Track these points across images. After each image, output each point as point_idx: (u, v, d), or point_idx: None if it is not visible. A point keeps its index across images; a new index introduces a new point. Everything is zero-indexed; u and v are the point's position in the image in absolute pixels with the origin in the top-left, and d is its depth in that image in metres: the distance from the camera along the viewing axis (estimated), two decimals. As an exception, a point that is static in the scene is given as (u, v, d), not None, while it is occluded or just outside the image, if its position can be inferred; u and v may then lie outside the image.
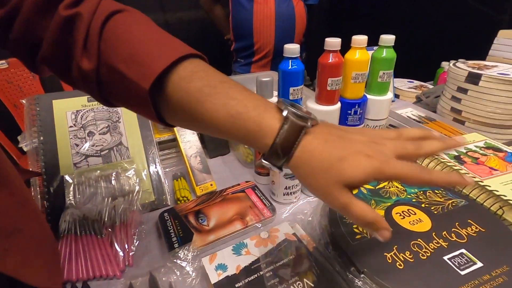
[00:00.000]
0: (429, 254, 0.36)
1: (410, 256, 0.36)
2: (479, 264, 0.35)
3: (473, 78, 0.68)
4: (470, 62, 0.77)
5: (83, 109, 0.58)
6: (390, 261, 0.35)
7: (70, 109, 0.57)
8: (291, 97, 0.46)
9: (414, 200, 0.45)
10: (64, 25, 0.29)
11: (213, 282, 0.37)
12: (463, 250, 0.36)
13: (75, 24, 0.29)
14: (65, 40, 0.29)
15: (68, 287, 0.39)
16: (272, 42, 1.29)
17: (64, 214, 0.46)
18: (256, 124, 0.26)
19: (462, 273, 0.34)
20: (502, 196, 0.43)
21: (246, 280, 0.37)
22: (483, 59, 0.83)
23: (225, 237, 0.45)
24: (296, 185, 0.53)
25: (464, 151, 0.54)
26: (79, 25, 0.29)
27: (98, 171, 0.52)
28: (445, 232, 0.39)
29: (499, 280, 0.33)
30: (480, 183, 0.46)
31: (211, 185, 0.57)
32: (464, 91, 0.71)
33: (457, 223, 0.41)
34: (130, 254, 0.43)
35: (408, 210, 0.44)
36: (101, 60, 0.29)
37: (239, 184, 0.57)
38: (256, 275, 0.37)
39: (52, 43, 0.30)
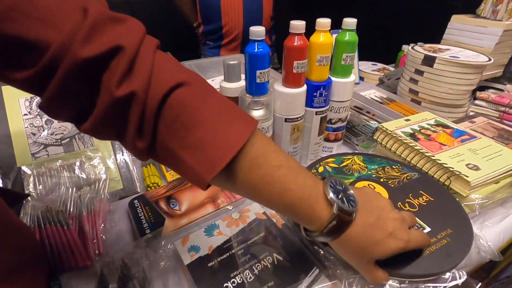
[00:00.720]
0: None
1: None
2: (428, 229, 0.39)
3: (428, 61, 0.73)
4: (426, 45, 0.82)
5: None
6: None
7: (22, 95, 0.53)
8: (258, 80, 0.46)
9: (374, 175, 0.49)
10: (117, 107, 0.25)
11: (186, 263, 0.38)
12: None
13: (130, 105, 0.25)
14: (117, 121, 0.26)
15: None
16: (241, 25, 1.26)
17: (25, 207, 0.44)
18: (307, 215, 0.30)
19: None
20: (450, 168, 0.48)
21: (219, 259, 0.38)
22: (440, 42, 0.89)
23: (197, 220, 0.46)
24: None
25: (418, 128, 0.58)
26: (133, 106, 0.25)
27: (60, 161, 0.50)
28: (400, 202, 0.43)
29: (443, 241, 0.37)
30: (432, 157, 0.50)
31: (182, 170, 0.57)
32: (420, 73, 0.76)
33: (410, 194, 0.45)
34: (100, 242, 0.43)
35: (368, 185, 0.47)
36: (158, 139, 0.27)
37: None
38: (228, 254, 0.39)
39: (101, 123, 0.26)
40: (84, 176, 0.49)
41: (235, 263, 0.37)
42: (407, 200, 0.44)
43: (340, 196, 0.30)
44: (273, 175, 0.28)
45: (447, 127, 0.59)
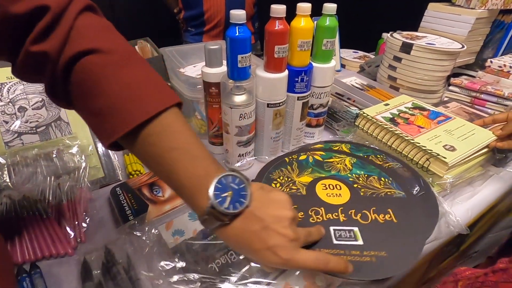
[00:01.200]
0: (319, 220, 0.39)
1: (301, 216, 0.39)
2: (359, 242, 0.36)
3: (406, 48, 0.75)
4: (404, 33, 0.84)
5: (9, 82, 0.52)
6: None
7: (-8, 82, 0.51)
8: (239, 65, 0.46)
9: (350, 179, 0.47)
10: (30, 62, 0.28)
11: (170, 247, 0.38)
12: (355, 229, 0.38)
13: (43, 63, 0.27)
14: (34, 73, 0.29)
15: (14, 270, 0.37)
16: (223, 11, 1.24)
17: (0, 197, 0.42)
18: (189, 202, 0.30)
19: (335, 241, 0.36)
20: (428, 150, 0.50)
21: (203, 241, 0.39)
22: (418, 30, 0.91)
23: (180, 206, 0.46)
24: (249, 152, 0.56)
25: (397, 112, 0.60)
26: (47, 65, 0.27)
27: (36, 149, 0.48)
28: (353, 210, 0.40)
29: (366, 258, 0.34)
30: (411, 140, 0.52)
31: (165, 157, 0.57)
32: (398, 60, 0.78)
33: (373, 208, 0.41)
34: (82, 230, 0.42)
35: (335, 184, 0.45)
36: (69, 98, 0.29)
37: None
38: (212, 236, 0.39)
39: (22, 71, 0.29)
40: (62, 164, 0.48)
41: (219, 244, 0.38)
42: (364, 211, 0.41)
43: (224, 195, 0.28)
44: (164, 156, 0.28)
45: (423, 109, 0.62)
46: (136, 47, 0.68)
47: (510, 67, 0.77)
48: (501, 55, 0.89)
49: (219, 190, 0.28)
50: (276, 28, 0.46)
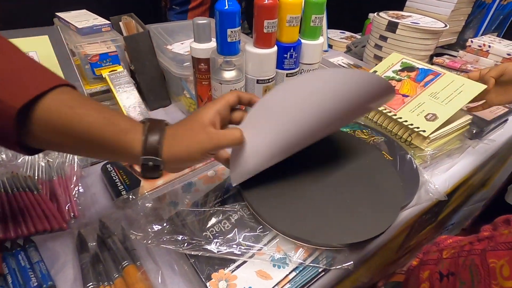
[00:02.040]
0: None
1: None
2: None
3: (392, 26, 0.76)
4: (390, 12, 0.85)
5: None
6: None
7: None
8: (229, 39, 0.46)
9: None
10: None
11: (165, 217, 0.39)
12: None
13: None
14: None
15: (8, 245, 0.38)
16: None
17: (-13, 174, 0.42)
18: (128, 125, 0.30)
19: None
20: (409, 126, 0.52)
21: (197, 212, 0.40)
22: (403, 9, 0.92)
23: (173, 181, 0.47)
24: (239, 129, 0.56)
25: None
26: None
27: (21, 127, 0.47)
28: None
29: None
30: (394, 116, 0.54)
31: (155, 135, 0.57)
32: (384, 39, 0.79)
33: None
34: (74, 206, 0.43)
35: None
36: None
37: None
38: (206, 207, 0.41)
39: None
40: (50, 141, 0.47)
41: (213, 214, 0.40)
42: None
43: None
44: (80, 123, 0.28)
45: (412, 69, 0.61)
46: (121, 23, 0.66)
47: (489, 46, 0.80)
48: (481, 35, 0.92)
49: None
50: (266, 1, 0.46)
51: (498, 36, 0.98)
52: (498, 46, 0.79)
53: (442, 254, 0.32)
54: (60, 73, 0.54)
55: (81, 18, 0.62)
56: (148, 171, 0.31)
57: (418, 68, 0.60)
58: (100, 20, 0.61)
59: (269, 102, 0.34)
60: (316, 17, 0.54)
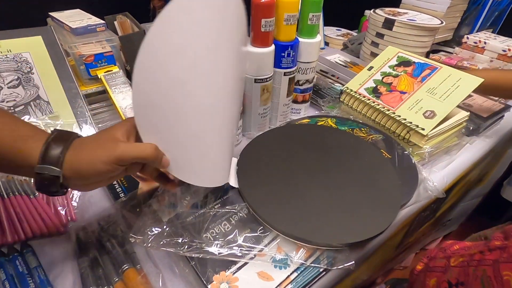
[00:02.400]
0: None
1: None
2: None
3: (388, 24, 0.76)
4: (386, 9, 0.85)
5: (-20, 59, 0.48)
6: None
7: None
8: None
9: None
10: None
11: (164, 220, 0.39)
12: None
13: None
14: None
15: (5, 250, 0.37)
16: None
17: (-18, 178, 0.41)
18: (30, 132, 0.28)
19: None
20: (407, 124, 0.52)
21: (197, 213, 0.39)
22: (399, 6, 0.92)
23: (172, 182, 0.46)
24: (238, 128, 0.56)
25: (380, 78, 0.60)
26: None
27: (16, 130, 0.46)
28: None
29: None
30: (392, 114, 0.54)
31: (152, 136, 0.56)
32: (381, 36, 0.79)
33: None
34: (72, 209, 0.42)
35: None
36: None
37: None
38: (206, 208, 0.40)
39: None
40: (45, 144, 0.47)
41: (213, 215, 0.39)
42: None
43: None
44: None
45: (408, 64, 0.60)
46: (115, 22, 0.65)
47: (485, 43, 0.80)
48: (477, 31, 0.93)
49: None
50: (263, 0, 0.46)
51: (493, 32, 0.98)
52: (494, 42, 0.79)
53: (450, 261, 0.31)
54: (54, 73, 0.53)
55: (75, 17, 0.61)
56: (43, 184, 0.27)
57: (414, 62, 0.60)
58: (94, 20, 0.60)
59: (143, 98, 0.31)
60: (313, 15, 0.54)
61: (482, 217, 1.14)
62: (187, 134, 0.33)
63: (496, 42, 0.79)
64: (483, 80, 0.52)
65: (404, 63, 0.61)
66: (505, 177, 0.96)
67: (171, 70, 0.30)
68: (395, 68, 0.61)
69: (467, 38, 0.83)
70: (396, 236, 0.56)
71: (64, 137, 0.28)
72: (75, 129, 0.51)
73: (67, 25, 0.58)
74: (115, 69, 0.58)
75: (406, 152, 0.51)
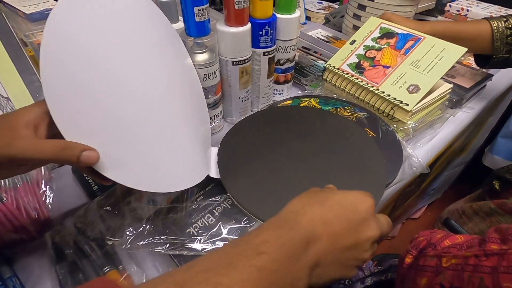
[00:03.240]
0: None
1: None
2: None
3: (370, -6, 0.73)
4: (368, -22, 0.81)
5: None
6: None
7: None
8: (197, 19, 0.42)
9: None
10: None
11: (144, 217, 0.37)
12: None
13: None
14: None
15: (-25, 262, 0.35)
16: None
17: None
18: None
19: None
20: (391, 100, 0.51)
21: (178, 208, 0.38)
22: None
23: (151, 176, 0.44)
24: (218, 115, 0.54)
25: (363, 52, 0.58)
26: None
27: (-26, 131, 0.43)
28: None
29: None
30: (376, 91, 0.53)
31: (128, 128, 0.53)
32: (363, 8, 0.76)
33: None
34: (45, 212, 0.40)
35: None
36: None
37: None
38: (187, 202, 0.39)
39: None
40: (9, 145, 0.43)
41: (195, 209, 0.38)
42: None
43: None
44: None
45: (391, 35, 0.58)
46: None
47: (467, 10, 0.78)
48: (459, -1, 0.90)
49: None
50: (234, -27, 0.42)
51: (475, -1, 0.96)
52: (476, 9, 0.78)
53: (442, 261, 0.29)
54: (11, 66, 0.48)
55: (29, 1, 0.55)
56: None
57: (397, 33, 0.58)
58: (51, 3, 0.55)
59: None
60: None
61: (464, 184, 1.18)
62: (119, 125, 0.29)
63: (478, 9, 0.78)
64: (466, 49, 0.51)
65: (387, 34, 0.58)
66: (486, 145, 0.99)
67: (85, 46, 0.27)
68: (378, 40, 0.58)
69: (450, 6, 0.81)
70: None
71: None
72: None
73: (21, 11, 0.52)
74: (81, 57, 0.54)
75: (391, 129, 0.50)
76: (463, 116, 0.62)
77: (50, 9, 0.53)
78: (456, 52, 0.51)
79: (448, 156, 0.76)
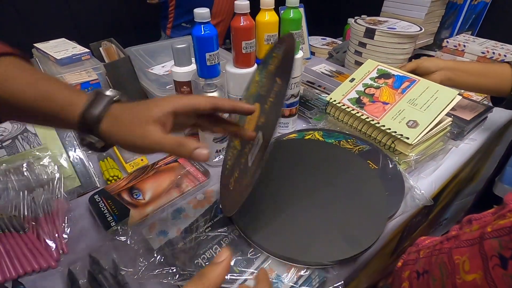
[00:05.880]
0: None
1: None
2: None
3: (369, 33, 0.78)
4: (367, 18, 0.87)
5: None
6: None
7: None
8: (208, 63, 0.46)
9: None
10: None
11: (155, 248, 0.39)
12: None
13: None
14: None
15: (-4, 289, 0.37)
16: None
17: (-29, 217, 0.41)
18: (66, 100, 0.29)
19: None
20: (392, 133, 0.53)
21: (187, 239, 0.40)
22: (380, 14, 0.94)
23: (162, 207, 0.47)
24: (226, 147, 0.57)
25: (362, 89, 0.61)
26: None
27: (4, 165, 0.47)
28: None
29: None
30: (377, 124, 0.55)
31: (142, 160, 0.56)
32: (363, 45, 0.81)
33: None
34: (63, 242, 0.42)
35: None
36: None
37: (171, 155, 0.57)
38: (196, 233, 0.41)
39: None
40: (34, 177, 0.47)
41: (204, 240, 0.39)
42: None
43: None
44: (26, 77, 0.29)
45: (388, 76, 0.61)
46: (101, 49, 0.66)
47: (464, 46, 0.82)
48: (456, 34, 0.95)
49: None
50: (242, 24, 0.47)
51: (472, 34, 1.01)
52: (472, 45, 0.81)
53: (420, 254, 0.33)
54: (41, 105, 0.53)
55: (60, 47, 0.62)
56: (85, 145, 0.30)
57: (394, 75, 0.61)
58: (79, 49, 0.61)
59: None
60: (294, 33, 0.55)
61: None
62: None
63: (475, 45, 0.82)
64: (457, 92, 0.54)
65: (384, 75, 0.62)
66: (497, 174, 0.98)
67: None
68: (376, 80, 0.62)
69: (447, 42, 0.85)
70: (389, 244, 0.56)
71: (100, 102, 0.30)
72: (63, 160, 0.51)
73: (52, 56, 0.59)
74: (102, 96, 0.59)
75: (393, 162, 0.52)
76: (466, 147, 0.63)
77: (78, 54, 0.59)
78: (449, 94, 0.54)
79: (455, 186, 0.76)
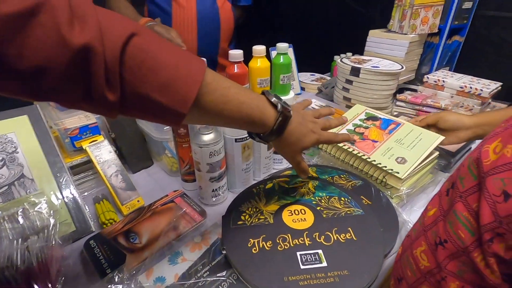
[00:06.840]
0: (287, 248, 0.42)
1: (269, 245, 0.42)
2: (324, 264, 0.40)
3: (355, 72, 0.83)
4: (352, 57, 0.93)
5: (-36, 144, 0.49)
6: (249, 245, 0.42)
7: None
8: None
9: (314, 202, 0.50)
10: (76, 59, 0.25)
11: (153, 296, 0.38)
12: (319, 251, 0.41)
13: (89, 56, 0.26)
14: (79, 74, 0.26)
15: None
16: (195, 49, 1.09)
17: (-39, 270, 0.40)
18: (260, 119, 0.39)
19: (302, 267, 0.39)
20: (383, 168, 0.55)
21: (185, 285, 0.39)
22: (363, 53, 1.01)
23: (159, 250, 0.46)
24: (222, 186, 0.58)
25: (353, 128, 0.65)
26: (93, 58, 0.26)
27: (-1, 212, 0.46)
28: (317, 233, 0.44)
29: (330, 279, 0.38)
30: (368, 159, 0.58)
31: (138, 201, 0.57)
32: (350, 82, 0.86)
33: (335, 229, 0.44)
34: (57, 292, 0.41)
35: (300, 209, 0.48)
36: (127, 89, 0.29)
37: (167, 195, 0.57)
38: (194, 278, 0.40)
39: (62, 77, 0.26)
40: (29, 224, 0.46)
41: (202, 286, 0.39)
42: (326, 233, 0.44)
43: (280, 100, 0.41)
44: (227, 94, 0.35)
45: (376, 119, 0.66)
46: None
47: (443, 81, 0.88)
48: (435, 70, 1.02)
49: (276, 97, 0.41)
50: (235, 71, 0.50)
51: (450, 69, 1.08)
52: (451, 80, 0.87)
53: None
54: (39, 150, 0.54)
55: (60, 92, 0.64)
56: (263, 139, 0.42)
57: (380, 118, 0.67)
58: (79, 93, 0.63)
59: None
60: (284, 76, 0.59)
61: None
62: None
63: (453, 80, 0.87)
64: (442, 138, 0.58)
65: (372, 118, 0.68)
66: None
67: None
68: (364, 121, 0.67)
69: (427, 78, 0.91)
70: (386, 282, 0.56)
71: (286, 113, 0.41)
72: (58, 205, 0.51)
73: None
74: (100, 138, 0.60)
75: (386, 197, 0.53)
76: (454, 178, 0.65)
77: (78, 100, 0.61)
78: (432, 138, 0.59)
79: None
